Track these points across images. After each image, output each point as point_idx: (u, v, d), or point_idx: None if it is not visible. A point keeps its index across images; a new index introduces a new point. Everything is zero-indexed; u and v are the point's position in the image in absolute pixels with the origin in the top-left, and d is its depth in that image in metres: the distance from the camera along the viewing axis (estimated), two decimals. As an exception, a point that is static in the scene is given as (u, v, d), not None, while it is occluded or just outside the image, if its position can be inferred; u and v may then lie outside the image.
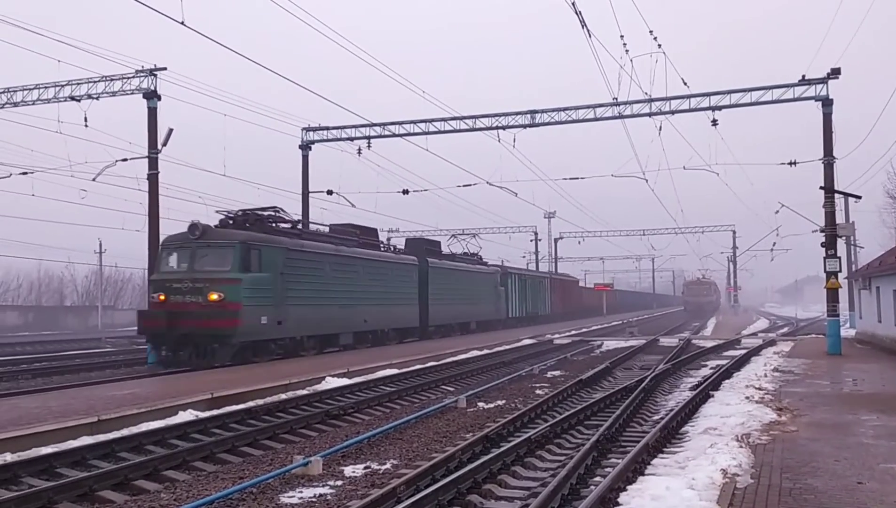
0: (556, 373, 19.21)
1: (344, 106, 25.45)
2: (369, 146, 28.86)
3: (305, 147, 29.60)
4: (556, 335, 32.49)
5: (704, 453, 7.96)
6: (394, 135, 28.48)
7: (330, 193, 30.47)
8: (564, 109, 26.70)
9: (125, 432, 9.79)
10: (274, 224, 21.63)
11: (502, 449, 8.55)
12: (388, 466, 8.66)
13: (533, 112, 26.76)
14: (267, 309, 19.27)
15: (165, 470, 8.24)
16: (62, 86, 24.62)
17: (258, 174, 35.01)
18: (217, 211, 21.34)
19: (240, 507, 6.96)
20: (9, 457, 8.17)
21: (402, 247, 32.44)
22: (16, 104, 25.39)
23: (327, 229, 25.47)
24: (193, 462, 8.72)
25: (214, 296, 18.02)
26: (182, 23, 14.79)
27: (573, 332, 36.45)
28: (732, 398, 12.44)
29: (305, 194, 29.73)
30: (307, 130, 29.48)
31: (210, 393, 12.55)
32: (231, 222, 20.47)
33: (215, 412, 11.50)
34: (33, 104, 25.14)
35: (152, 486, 7.76)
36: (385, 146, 30.97)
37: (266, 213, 21.58)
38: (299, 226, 24.03)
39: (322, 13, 22.00)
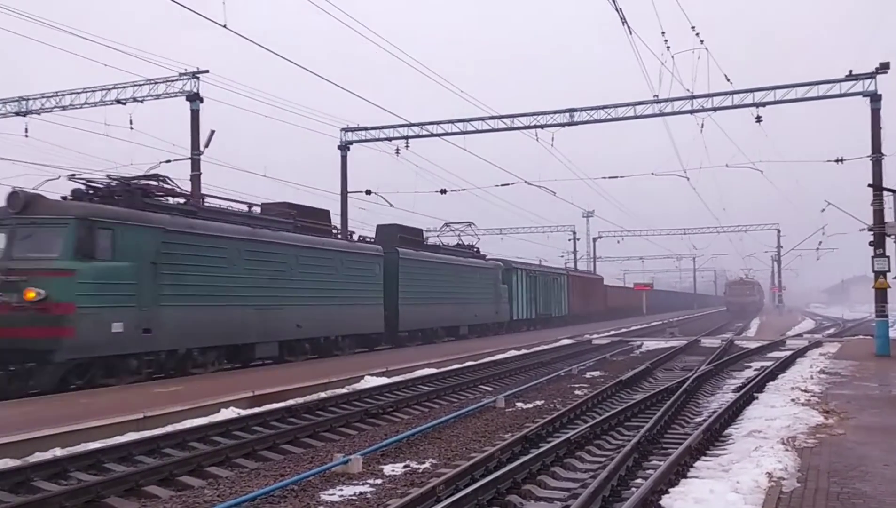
0: (596, 374, 19.05)
1: (382, 106, 25.62)
2: (407, 146, 28.97)
3: (344, 147, 29.82)
4: (595, 336, 32.22)
5: (749, 456, 7.82)
6: (432, 135, 28.54)
7: (368, 193, 30.70)
8: (604, 108, 26.46)
9: (169, 428, 9.96)
10: (156, 198, 16.21)
11: (542, 450, 8.51)
12: (427, 465, 8.67)
13: (571, 110, 26.58)
14: (124, 312, 14.06)
15: (209, 467, 8.37)
16: (108, 89, 25.21)
17: (297, 175, 35.41)
18: (70, 177, 15.61)
19: (281, 504, 7.04)
20: (59, 452, 8.38)
21: (373, 236, 26.49)
22: (64, 108, 26.08)
23: (258, 210, 19.80)
24: (236, 458, 8.85)
25: (33, 294, 12.88)
26: (224, 26, 15.02)
27: (612, 332, 36.10)
28: (777, 400, 12.19)
29: (344, 194, 29.96)
30: (346, 130, 29.70)
31: (251, 391, 12.72)
32: (91, 193, 15.05)
33: (256, 409, 11.65)
34: (81, 108, 25.80)
35: (196, 482, 7.89)
36: (423, 146, 31.11)
37: (143, 183, 16.18)
38: (225, 206, 18.64)
39: (358, 12, 22.14)
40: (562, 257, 67.40)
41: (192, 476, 8.06)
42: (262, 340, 18.05)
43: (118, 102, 25.04)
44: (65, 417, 9.80)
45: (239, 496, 7.11)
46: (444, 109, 34.15)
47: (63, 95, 25.98)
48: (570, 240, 65.35)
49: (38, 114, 26.40)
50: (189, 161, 23.58)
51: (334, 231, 23.39)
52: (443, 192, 33.92)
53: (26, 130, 26.48)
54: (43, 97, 26.30)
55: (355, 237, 24.74)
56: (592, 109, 26.57)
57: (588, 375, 18.76)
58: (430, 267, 27.66)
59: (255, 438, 9.69)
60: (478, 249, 34.66)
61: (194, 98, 23.71)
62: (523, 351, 23.79)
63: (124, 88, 25.02)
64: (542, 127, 26.78)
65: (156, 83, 24.46)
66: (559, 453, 8.70)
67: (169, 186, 16.77)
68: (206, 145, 23.58)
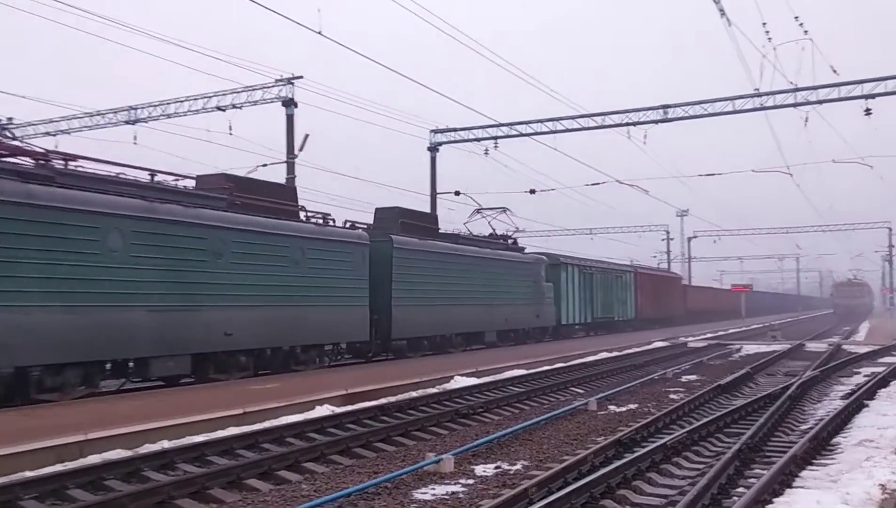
0: (692, 377, 18.47)
1: (471, 107, 25.67)
2: (496, 146, 28.94)
3: (433, 149, 30.08)
4: (691, 338, 31.26)
5: (860, 466, 7.40)
6: (521, 135, 28.45)
7: (457, 193, 30.84)
8: (700, 103, 25.68)
9: (267, 424, 10.27)
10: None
11: (636, 454, 8.30)
12: (518, 467, 8.62)
13: (665, 106, 25.93)
14: None
15: (305, 462, 8.58)
16: (209, 97, 26.32)
17: (389, 176, 35.99)
18: None
19: (375, 501, 7.14)
20: (166, 444, 8.79)
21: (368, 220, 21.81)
22: (169, 116, 27.43)
23: (191, 183, 15.84)
24: (331, 455, 9.03)
25: None
26: (320, 32, 15.41)
27: (708, 335, 34.94)
28: (891, 408, 11.50)
29: (433, 195, 30.22)
30: (435, 131, 29.95)
31: (345, 389, 12.98)
32: None
33: (349, 407, 11.88)
34: (184, 115, 27.05)
35: (293, 476, 8.10)
36: (512, 146, 30.99)
37: None
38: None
39: (447, 14, 22.26)
40: (654, 257, 65.82)
41: (290, 470, 8.28)
42: (164, 353, 13.62)
43: (218, 108, 26.11)
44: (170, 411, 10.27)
45: (335, 491, 7.25)
46: (533, 108, 33.96)
47: (168, 103, 27.32)
48: (662, 240, 63.71)
49: (146, 122, 27.86)
50: (285, 165, 24.32)
51: (309, 215, 18.37)
52: (532, 192, 33.73)
53: (135, 138, 28.01)
54: (150, 106, 27.73)
55: (341, 222, 19.80)
56: (687, 104, 25.82)
57: (684, 379, 18.21)
58: (438, 260, 22.40)
59: (349, 435, 9.87)
60: (514, 240, 29.70)
61: (289, 103, 24.45)
62: (615, 353, 23.33)
63: (224, 95, 26.08)
64: (633, 124, 26.28)
65: (253, 90, 25.36)
66: (655, 458, 8.46)
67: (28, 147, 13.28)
68: (301, 149, 24.27)
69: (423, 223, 23.44)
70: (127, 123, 28.08)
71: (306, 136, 24.42)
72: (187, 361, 14.25)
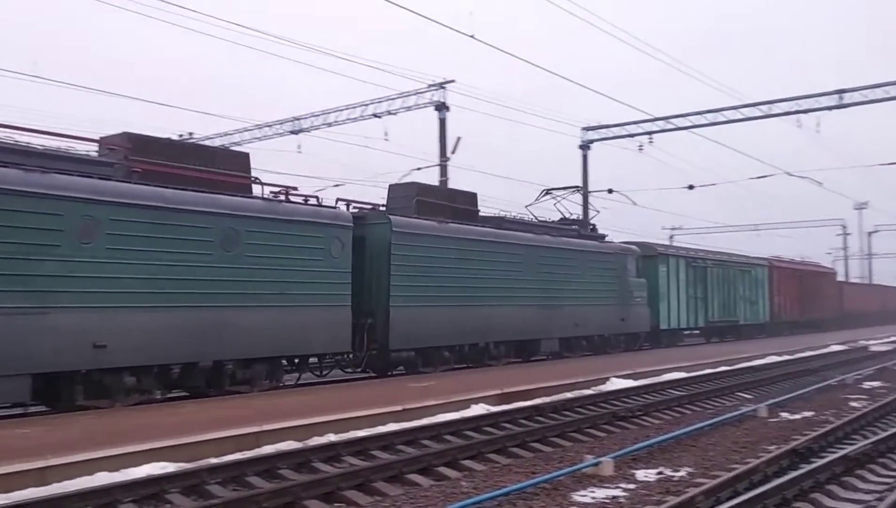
0: (875, 384, 16.94)
1: (624, 101, 24.98)
2: (651, 141, 28.04)
3: (585, 146, 29.61)
4: (872, 342, 28.71)
5: None
6: (678, 128, 27.38)
7: (610, 191, 30.17)
8: (881, 86, 23.52)
9: (425, 421, 10.51)
10: None
11: (814, 465, 7.71)
12: (682, 473, 8.26)
13: (841, 91, 24.02)
14: None
15: (463, 459, 8.69)
16: (366, 105, 27.42)
17: (540, 176, 35.81)
18: None
19: (534, 501, 7.10)
20: (332, 437, 9.21)
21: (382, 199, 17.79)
22: (329, 125, 28.83)
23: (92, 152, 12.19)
24: (488, 453, 9.09)
25: None
26: (472, 36, 15.60)
27: (893, 339, 31.93)
28: None
29: (585, 193, 29.74)
30: (587, 129, 29.47)
31: (499, 389, 13.04)
32: None
33: (504, 407, 11.91)
34: (343, 124, 28.33)
35: (452, 473, 8.23)
36: (668, 141, 29.88)
37: None
38: None
39: (597, 7, 21.81)
40: (829, 254, 61.07)
41: (449, 467, 8.42)
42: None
43: (374, 116, 27.15)
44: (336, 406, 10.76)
45: (493, 489, 7.29)
46: (690, 100, 32.55)
47: (329, 113, 28.73)
48: (838, 235, 59.00)
49: (308, 131, 29.46)
50: (438, 168, 24.84)
51: (276, 193, 14.26)
52: (690, 187, 32.36)
53: (299, 147, 29.69)
54: (312, 116, 29.28)
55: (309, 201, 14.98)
56: (867, 88, 23.73)
57: (866, 385, 16.75)
58: (463, 247, 17.44)
59: (505, 434, 9.90)
60: (594, 226, 24.59)
61: (441, 107, 24.98)
62: (785, 357, 21.86)
63: (379, 102, 27.06)
64: (804, 112, 24.54)
65: (407, 96, 26.12)
66: (835, 470, 7.83)
67: None
68: (453, 152, 24.69)
69: (451, 203, 18.27)
70: (291, 133, 29.82)
71: (458, 138, 24.84)
72: (26, 384, 10.25)
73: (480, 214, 19.30)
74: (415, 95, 25.86)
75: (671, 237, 53.67)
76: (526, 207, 22.87)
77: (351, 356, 15.60)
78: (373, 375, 16.33)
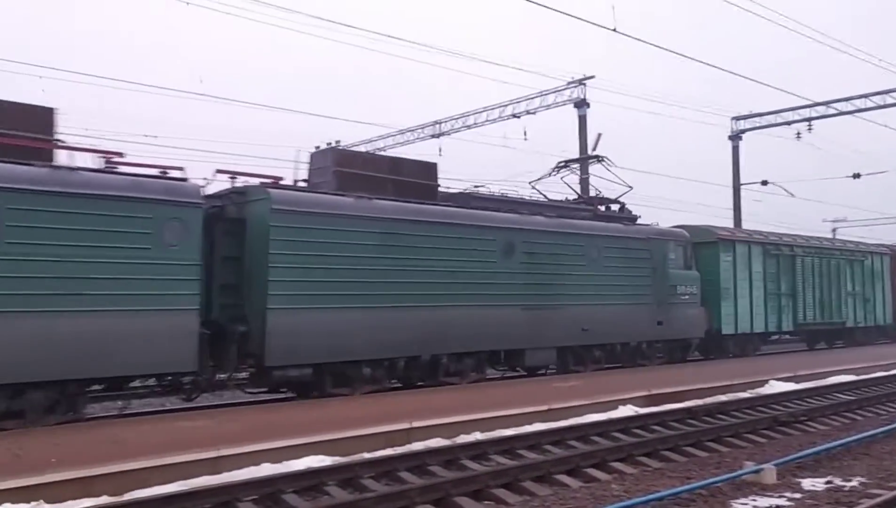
0: None
1: (779, 87, 23.51)
2: (810, 129, 26.25)
3: (735, 137, 28.21)
4: None
5: None
6: (840, 113, 25.44)
7: (764, 183, 28.57)
8: None
9: (572, 421, 10.39)
10: None
11: None
12: (854, 483, 7.66)
13: None
14: None
15: (612, 462, 8.51)
16: (505, 106, 27.52)
17: (688, 169, 34.40)
18: None
19: (690, 507, 6.84)
20: (479, 436, 9.31)
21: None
22: (469, 127, 29.18)
23: None
24: (638, 456, 8.85)
25: None
26: (614, 29, 15.29)
27: None
28: None
29: (736, 186, 28.36)
30: (737, 119, 28.06)
31: (647, 390, 12.67)
32: None
33: (653, 409, 11.56)
34: (483, 125, 28.59)
35: (601, 475, 8.08)
36: (830, 127, 27.83)
37: None
38: None
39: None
40: None
41: (598, 469, 8.27)
42: None
43: (514, 116, 27.18)
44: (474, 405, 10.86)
45: (645, 493, 7.09)
46: (853, 82, 30.16)
47: (468, 115, 29.08)
48: None
49: (449, 134, 29.95)
50: (579, 165, 24.48)
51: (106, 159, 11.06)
52: (856, 176, 29.99)
53: (440, 150, 30.23)
54: (452, 119, 29.75)
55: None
56: None
57: None
58: (394, 230, 13.36)
59: (655, 437, 9.60)
60: (622, 205, 19.33)
61: (581, 104, 24.64)
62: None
63: (518, 102, 27.07)
64: None
65: (545, 94, 25.97)
66: None
67: None
68: (594, 149, 24.24)
69: (390, 175, 14.23)
70: (433, 136, 30.44)
71: (599, 135, 24.33)
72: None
73: (441, 188, 15.29)
74: (554, 93, 25.69)
75: (834, 231, 49.88)
76: (531, 184, 19.13)
77: (201, 376, 11.38)
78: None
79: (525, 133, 26.81)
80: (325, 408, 11.17)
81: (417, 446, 8.76)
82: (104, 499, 6.46)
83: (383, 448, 8.65)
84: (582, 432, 9.77)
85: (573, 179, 20.32)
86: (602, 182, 19.92)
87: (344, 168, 13.66)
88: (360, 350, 12.82)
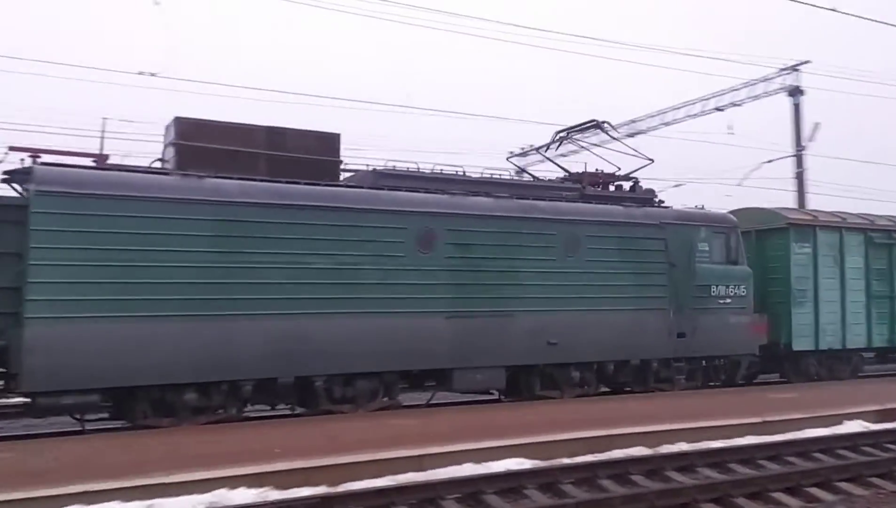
0: None
1: None
2: None
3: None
4: None
5: None
6: None
7: None
8: None
9: (789, 436, 9.63)
10: None
11: None
12: None
13: None
14: None
15: (837, 481, 7.77)
16: (707, 99, 26.13)
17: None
18: None
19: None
20: (684, 446, 8.89)
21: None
22: (667, 124, 28.04)
23: None
24: (869, 476, 8.01)
25: None
26: (833, 10, 14.05)
27: None
28: None
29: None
30: None
31: (880, 404, 11.45)
32: None
33: (887, 425, 10.40)
34: (682, 121, 27.36)
35: (825, 495, 7.40)
36: None
37: None
38: None
39: None
40: None
41: (820, 488, 7.59)
42: None
43: (717, 109, 25.74)
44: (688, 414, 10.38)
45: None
46: None
47: (665, 112, 27.96)
48: None
49: (646, 133, 28.97)
50: (792, 158, 22.74)
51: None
52: None
53: (636, 151, 29.31)
54: (648, 117, 28.75)
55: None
56: None
57: None
58: (239, 216, 10.58)
59: (890, 457, 8.63)
60: (635, 182, 15.18)
61: (795, 92, 22.82)
62: None
63: (721, 95, 25.58)
64: None
65: (753, 84, 24.33)
66: None
67: None
68: (811, 139, 22.38)
69: (267, 150, 11.51)
70: (629, 136, 29.61)
71: (816, 124, 22.45)
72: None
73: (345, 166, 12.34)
74: (763, 82, 23.97)
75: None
76: (508, 158, 15.16)
77: None
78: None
79: (729, 126, 25.30)
80: (531, 409, 11.25)
81: (618, 453, 8.55)
82: (322, 489, 6.95)
83: (583, 454, 8.53)
84: (801, 447, 9.02)
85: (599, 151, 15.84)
86: (623, 157, 15.56)
87: (188, 141, 10.94)
88: (178, 373, 10.01)
